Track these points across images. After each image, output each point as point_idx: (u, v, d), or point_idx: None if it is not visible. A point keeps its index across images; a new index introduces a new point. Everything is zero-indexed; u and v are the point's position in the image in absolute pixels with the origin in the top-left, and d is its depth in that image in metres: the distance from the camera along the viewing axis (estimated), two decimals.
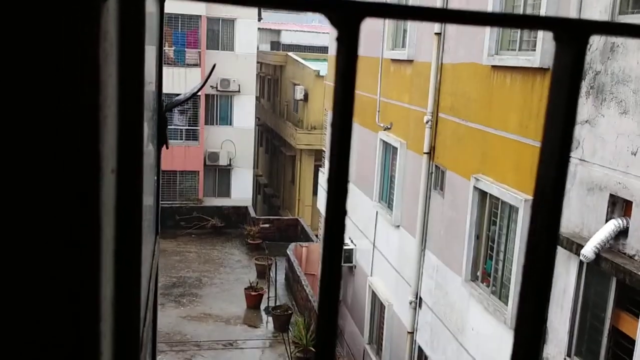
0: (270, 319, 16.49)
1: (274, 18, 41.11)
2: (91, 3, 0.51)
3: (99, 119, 0.54)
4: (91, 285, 0.58)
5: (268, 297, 17.08)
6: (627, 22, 6.07)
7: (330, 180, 0.42)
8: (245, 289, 17.51)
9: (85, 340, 0.59)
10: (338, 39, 0.41)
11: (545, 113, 0.46)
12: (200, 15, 24.59)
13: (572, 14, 6.74)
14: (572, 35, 0.45)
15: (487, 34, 8.53)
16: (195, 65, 24.73)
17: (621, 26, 0.47)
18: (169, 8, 26.38)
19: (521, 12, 8.03)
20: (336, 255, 0.43)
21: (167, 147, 1.93)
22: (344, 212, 0.42)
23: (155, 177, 1.86)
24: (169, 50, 24.39)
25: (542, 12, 7.26)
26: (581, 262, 6.47)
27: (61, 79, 0.52)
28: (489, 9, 8.46)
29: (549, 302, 0.48)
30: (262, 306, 17.26)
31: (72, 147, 0.53)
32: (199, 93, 24.40)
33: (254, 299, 17.25)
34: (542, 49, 7.25)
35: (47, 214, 0.54)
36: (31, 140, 0.52)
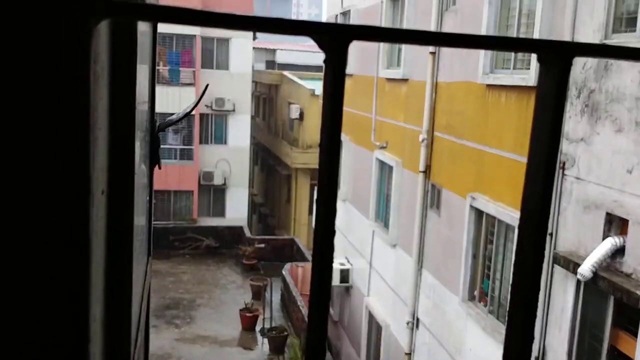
0: (266, 340, 16.31)
1: (269, 37, 41.39)
2: (82, 27, 0.51)
3: (88, 141, 0.54)
4: (80, 307, 0.58)
5: (263, 319, 16.92)
6: (621, 41, 6.11)
7: (318, 203, 0.43)
8: (240, 310, 17.35)
9: None
10: (325, 62, 0.42)
11: (530, 132, 0.47)
12: (195, 35, 24.71)
13: (566, 32, 6.79)
14: (556, 57, 0.46)
15: (482, 52, 8.57)
16: (190, 84, 24.79)
17: (604, 48, 0.49)
18: (163, 28, 26.47)
19: (515, 30, 8.09)
20: (326, 271, 0.44)
21: (159, 168, 1.91)
22: (332, 231, 0.44)
23: (148, 198, 1.84)
24: (163, 70, 24.47)
25: (536, 30, 7.30)
26: (578, 281, 6.43)
27: (51, 102, 0.52)
28: (483, 26, 8.51)
29: (536, 316, 0.49)
30: (258, 328, 17.09)
31: (61, 169, 0.53)
32: (193, 112, 24.42)
33: (249, 321, 17.08)
34: (536, 68, 7.28)
35: (35, 235, 0.54)
36: (20, 162, 0.53)
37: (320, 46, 0.41)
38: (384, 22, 12.31)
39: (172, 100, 23.82)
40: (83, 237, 0.56)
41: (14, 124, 0.52)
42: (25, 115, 0.52)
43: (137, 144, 1.37)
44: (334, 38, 0.41)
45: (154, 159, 1.85)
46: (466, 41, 0.46)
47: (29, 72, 0.51)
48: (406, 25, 11.26)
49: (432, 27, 10.07)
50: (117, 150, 0.80)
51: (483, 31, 8.55)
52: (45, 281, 0.55)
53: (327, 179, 0.42)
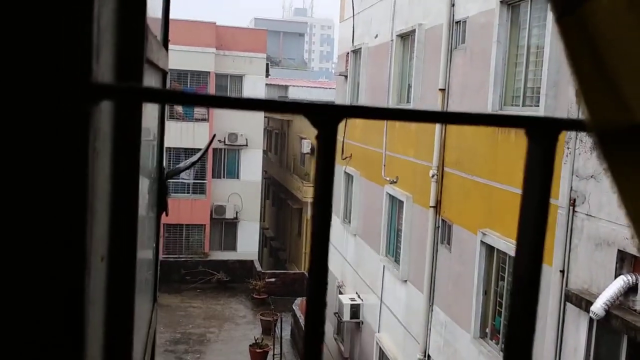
0: None
1: (282, 74, 41.97)
2: (79, 110, 0.52)
3: (86, 215, 0.55)
4: None
5: (273, 355, 16.76)
6: None
7: (310, 275, 0.44)
8: (250, 345, 17.21)
9: None
10: (318, 138, 0.45)
11: (519, 207, 0.48)
12: (209, 72, 25.14)
13: None
14: (543, 132, 0.47)
15: (491, 89, 8.67)
16: (204, 120, 25.12)
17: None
18: (178, 65, 26.62)
19: (523, 67, 8.17)
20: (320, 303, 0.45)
21: (166, 215, 1.95)
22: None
23: (154, 244, 1.87)
24: (177, 106, 24.82)
25: (545, 68, 7.38)
26: (591, 320, 6.35)
27: (47, 178, 0.53)
28: (492, 64, 8.62)
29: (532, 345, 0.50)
30: None
31: (58, 242, 0.54)
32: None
33: (259, 357, 16.92)
34: (545, 104, 7.34)
35: (30, 310, 0.54)
36: (15, 241, 0.53)
37: (313, 124, 0.45)
38: (394, 59, 12.49)
39: (186, 136, 24.12)
40: (78, 316, 0.55)
41: (12, 200, 0.52)
42: (23, 193, 0.52)
43: (146, 193, 1.40)
44: (326, 116, 0.44)
45: (161, 206, 1.88)
46: (455, 118, 0.48)
47: (28, 154, 0.52)
48: (415, 62, 11.41)
49: (441, 65, 10.20)
50: (120, 217, 0.81)
51: (492, 68, 8.65)
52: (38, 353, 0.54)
53: (319, 243, 0.44)
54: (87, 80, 0.53)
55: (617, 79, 0.42)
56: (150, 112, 1.49)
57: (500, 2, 8.47)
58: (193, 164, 2.61)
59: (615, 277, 6.09)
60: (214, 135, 3.20)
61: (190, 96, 0.47)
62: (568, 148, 6.90)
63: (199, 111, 25.37)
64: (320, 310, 0.46)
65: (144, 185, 1.30)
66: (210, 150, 25.23)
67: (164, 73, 1.77)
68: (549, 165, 0.47)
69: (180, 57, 23.90)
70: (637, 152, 0.42)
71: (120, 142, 0.78)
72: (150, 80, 1.32)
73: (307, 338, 0.45)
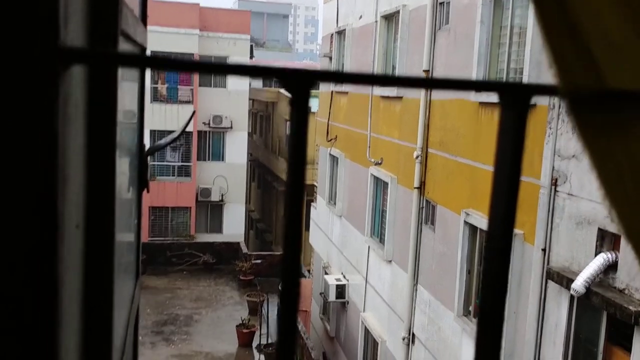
0: (263, 357, 16.26)
1: (266, 56, 41.68)
2: (48, 73, 0.52)
3: (56, 181, 0.55)
4: (47, 345, 0.55)
5: (260, 334, 16.88)
6: None
7: (286, 235, 0.46)
8: (237, 326, 17.31)
9: None
10: (291, 103, 0.46)
11: (492, 175, 0.49)
12: (193, 54, 24.90)
13: None
14: (515, 98, 0.47)
15: (475, 69, 8.70)
16: (188, 102, 24.93)
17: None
18: (162, 47, 26.24)
19: (507, 48, 8.20)
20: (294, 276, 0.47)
21: (147, 191, 1.95)
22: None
23: (136, 220, 1.87)
24: (162, 88, 24.61)
25: (527, 48, 7.42)
26: (572, 297, 6.47)
27: (15, 139, 0.52)
28: (476, 44, 8.64)
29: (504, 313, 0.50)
30: (254, 344, 17.04)
31: (26, 207, 0.53)
32: (191, 129, 24.54)
33: (245, 337, 17.03)
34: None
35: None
36: None
37: (286, 88, 0.45)
38: (378, 40, 12.46)
39: (170, 118, 23.94)
40: (50, 274, 0.55)
41: None
42: None
43: (126, 169, 1.40)
44: (298, 81, 0.44)
45: (142, 183, 1.88)
46: (426, 83, 0.49)
47: None
48: (400, 43, 11.40)
49: (425, 46, 10.20)
50: (96, 184, 0.81)
51: (475, 49, 8.67)
52: (10, 324, 0.54)
53: (291, 214, 0.45)
54: (55, 43, 0.53)
55: (588, 42, 0.41)
56: (129, 88, 1.49)
57: None
58: (174, 139, 2.61)
59: (596, 255, 6.19)
60: (194, 112, 3.20)
61: (161, 60, 0.47)
62: (550, 128, 6.97)
63: (183, 93, 25.17)
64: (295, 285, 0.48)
65: (123, 159, 1.29)
66: (194, 133, 25.10)
67: (142, 48, 1.75)
68: (521, 132, 0.47)
69: (164, 39, 23.63)
70: (608, 117, 0.42)
71: (95, 109, 0.77)
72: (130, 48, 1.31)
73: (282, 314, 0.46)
